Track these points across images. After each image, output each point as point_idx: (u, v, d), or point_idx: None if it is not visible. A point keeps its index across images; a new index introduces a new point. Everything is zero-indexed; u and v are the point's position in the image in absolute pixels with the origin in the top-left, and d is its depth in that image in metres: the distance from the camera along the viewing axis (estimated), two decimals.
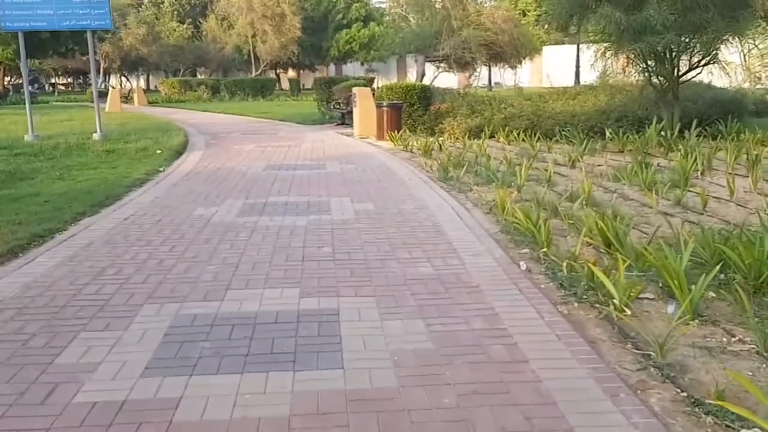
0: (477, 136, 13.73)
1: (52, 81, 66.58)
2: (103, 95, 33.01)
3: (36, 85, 64.96)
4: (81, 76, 63.30)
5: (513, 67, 25.97)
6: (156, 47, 52.58)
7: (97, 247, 5.57)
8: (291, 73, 57.54)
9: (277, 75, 56.00)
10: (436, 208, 7.11)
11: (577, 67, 29.34)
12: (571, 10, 12.33)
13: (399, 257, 5.16)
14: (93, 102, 15.27)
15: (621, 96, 14.71)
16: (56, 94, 56.57)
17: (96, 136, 14.22)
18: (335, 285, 4.45)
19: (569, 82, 27.80)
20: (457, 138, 13.88)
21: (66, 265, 5.03)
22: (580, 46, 24.38)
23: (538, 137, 12.58)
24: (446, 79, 28.47)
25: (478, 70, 32.70)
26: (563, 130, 13.00)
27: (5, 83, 41.52)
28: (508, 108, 14.95)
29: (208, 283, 4.53)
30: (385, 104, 14.62)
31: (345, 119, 18.57)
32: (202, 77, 53.12)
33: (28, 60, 44.82)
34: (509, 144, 13.04)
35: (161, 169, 10.50)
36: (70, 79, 68.66)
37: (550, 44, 41.08)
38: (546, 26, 38.97)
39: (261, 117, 23.15)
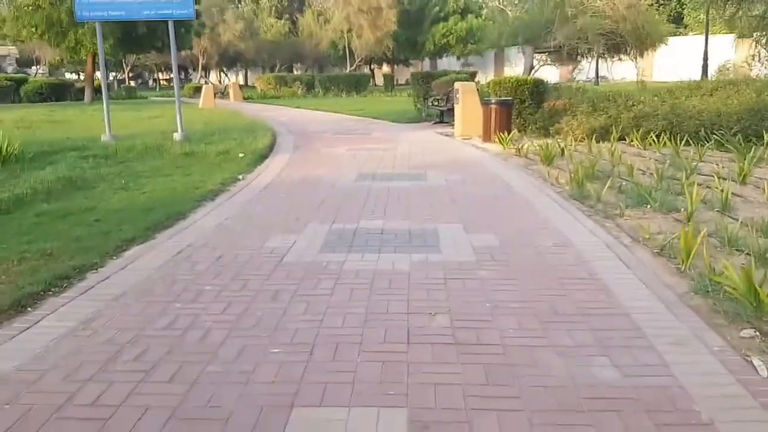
0: (603, 138, 11.63)
1: (155, 77, 68.65)
2: (198, 91, 32.74)
3: (139, 81, 67.26)
4: (182, 72, 64.97)
5: (633, 59, 23.23)
6: (253, 43, 52.89)
7: (128, 303, 4.08)
8: (385, 68, 56.46)
9: (372, 70, 55.07)
10: (584, 246, 5.24)
11: (705, 59, 26.14)
12: None
13: (556, 343, 3.36)
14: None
15: None
16: (158, 89, 57.99)
17: (177, 136, 13.10)
18: (464, 407, 2.72)
19: (691, 76, 24.78)
20: (580, 140, 11.81)
21: (75, 335, 3.56)
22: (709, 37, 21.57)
23: (686, 141, 10.33)
24: (546, 73, 26.11)
25: (589, 62, 30.02)
26: (713, 133, 10.71)
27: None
28: (638, 105, 12.73)
29: (264, 388, 2.91)
30: (493, 101, 12.78)
31: (444, 117, 16.97)
32: (298, 73, 52.83)
33: (129, 55, 45.92)
34: (645, 149, 10.88)
35: (240, 177, 9.12)
36: (171, 75, 70.46)
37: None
38: (664, 15, 35.64)
39: (354, 114, 21.74)
